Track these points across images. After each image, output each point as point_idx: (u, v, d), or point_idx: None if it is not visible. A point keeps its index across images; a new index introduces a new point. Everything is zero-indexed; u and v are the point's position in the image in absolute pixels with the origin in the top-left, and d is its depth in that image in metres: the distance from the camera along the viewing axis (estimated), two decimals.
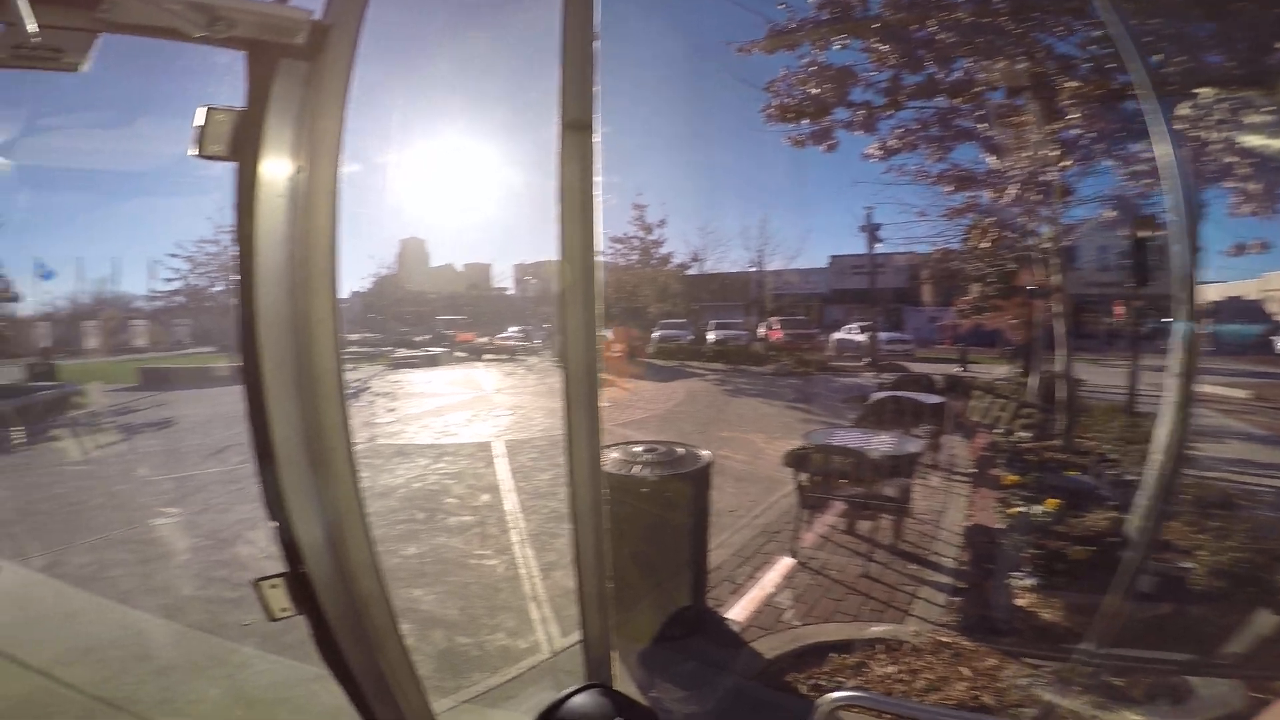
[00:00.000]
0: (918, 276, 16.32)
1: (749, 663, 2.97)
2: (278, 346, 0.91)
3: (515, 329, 22.04)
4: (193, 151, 0.85)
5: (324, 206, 0.91)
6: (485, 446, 7.45)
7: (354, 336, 20.16)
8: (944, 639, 3.01)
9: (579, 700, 1.09)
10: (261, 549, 4.22)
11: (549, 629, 3.26)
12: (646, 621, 3.07)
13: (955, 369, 11.93)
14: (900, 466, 4.16)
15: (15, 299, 14.71)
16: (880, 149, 7.27)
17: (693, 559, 3.24)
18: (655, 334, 19.21)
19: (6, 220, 13.31)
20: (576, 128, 1.16)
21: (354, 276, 25.96)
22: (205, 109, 0.85)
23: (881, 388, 8.08)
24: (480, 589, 3.75)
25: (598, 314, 1.22)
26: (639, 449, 3.28)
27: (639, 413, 9.55)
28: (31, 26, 0.74)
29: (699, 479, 3.20)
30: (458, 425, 8.86)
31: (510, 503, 5.34)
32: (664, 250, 20.89)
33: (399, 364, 17.11)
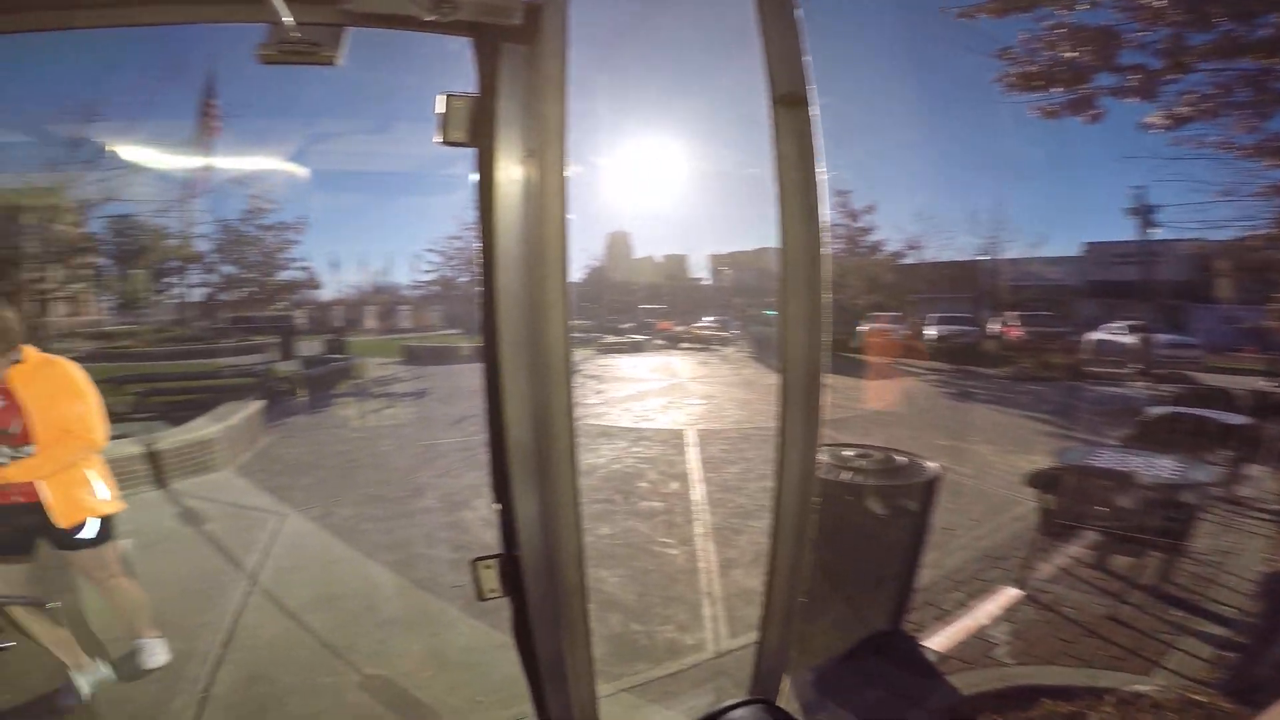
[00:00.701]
0: (1210, 267, 13.05)
1: (941, 697, 2.58)
2: (514, 328, 0.93)
3: (710, 318, 22.30)
4: (437, 139, 0.89)
5: (555, 191, 0.90)
6: (678, 434, 7.54)
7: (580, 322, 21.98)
8: (1197, 697, 2.31)
9: (741, 714, 1.02)
10: (481, 515, 4.70)
11: (718, 628, 3.16)
12: (828, 637, 2.80)
13: (1266, 382, 9.25)
14: (1183, 497, 3.32)
15: (317, 287, 18.54)
16: (1166, 118, 5.86)
17: (897, 577, 2.87)
18: (932, 329, 17.48)
19: (308, 220, 16.70)
20: (789, 103, 1.05)
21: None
22: (445, 96, 0.88)
23: (1161, 401, 6.56)
24: (659, 577, 3.76)
25: (824, 304, 1.09)
26: (850, 452, 2.98)
27: (841, 411, 8.95)
28: (288, 20, 0.79)
29: (922, 493, 2.81)
30: (655, 410, 9.13)
31: (697, 493, 5.31)
32: (873, 238, 19.38)
33: (607, 349, 18.25)
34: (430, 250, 24.24)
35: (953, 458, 6.14)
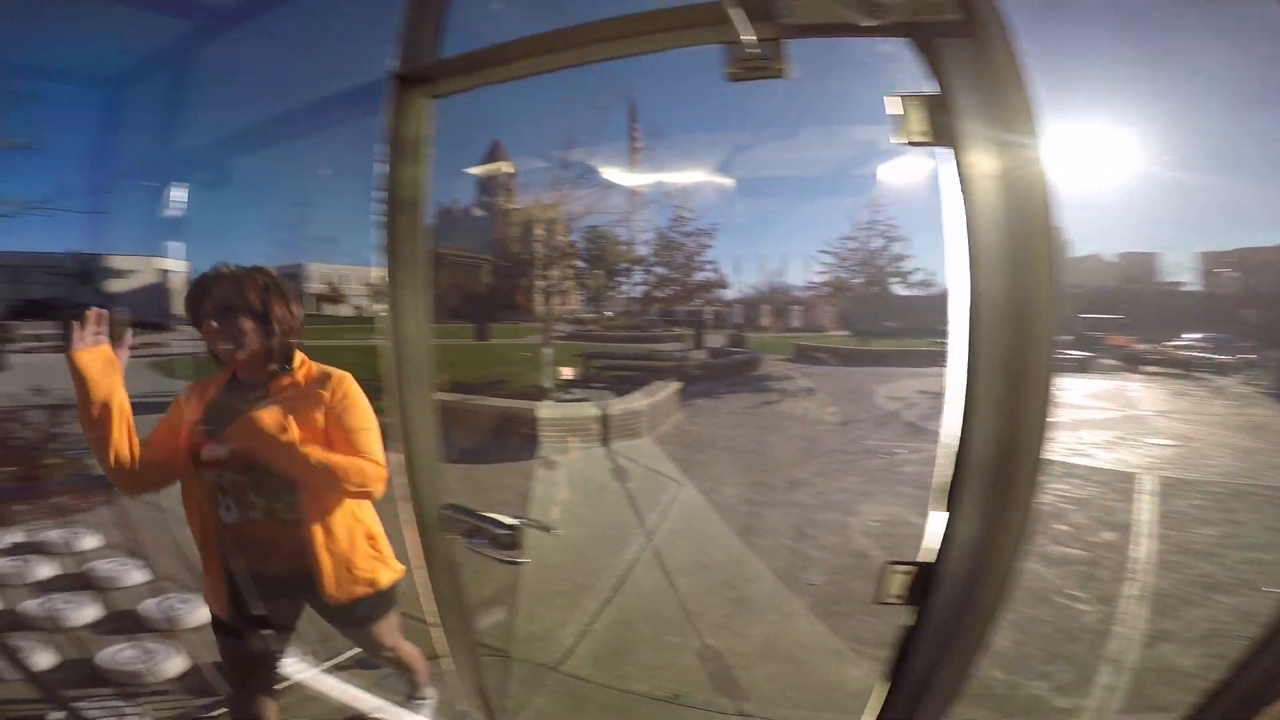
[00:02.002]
0: None
1: None
2: (993, 333, 0.88)
3: (1195, 335, 16.38)
4: (898, 139, 0.87)
5: (1036, 185, 0.83)
6: (1126, 477, 5.84)
7: None
8: None
9: None
10: (847, 520, 4.50)
11: (1111, 699, 2.47)
12: None
13: None
14: None
15: (725, 286, 20.61)
16: None
17: None
18: None
19: (718, 227, 18.54)
20: None
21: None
22: (899, 97, 0.86)
23: None
24: (1051, 630, 3.05)
25: None
26: None
27: None
28: (748, 38, 0.85)
29: None
30: (1093, 445, 7.25)
31: (1141, 550, 4.03)
32: None
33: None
34: (824, 252, 24.45)
35: None
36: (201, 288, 1.52)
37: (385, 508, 1.61)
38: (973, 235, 0.84)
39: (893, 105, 0.87)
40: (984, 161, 0.83)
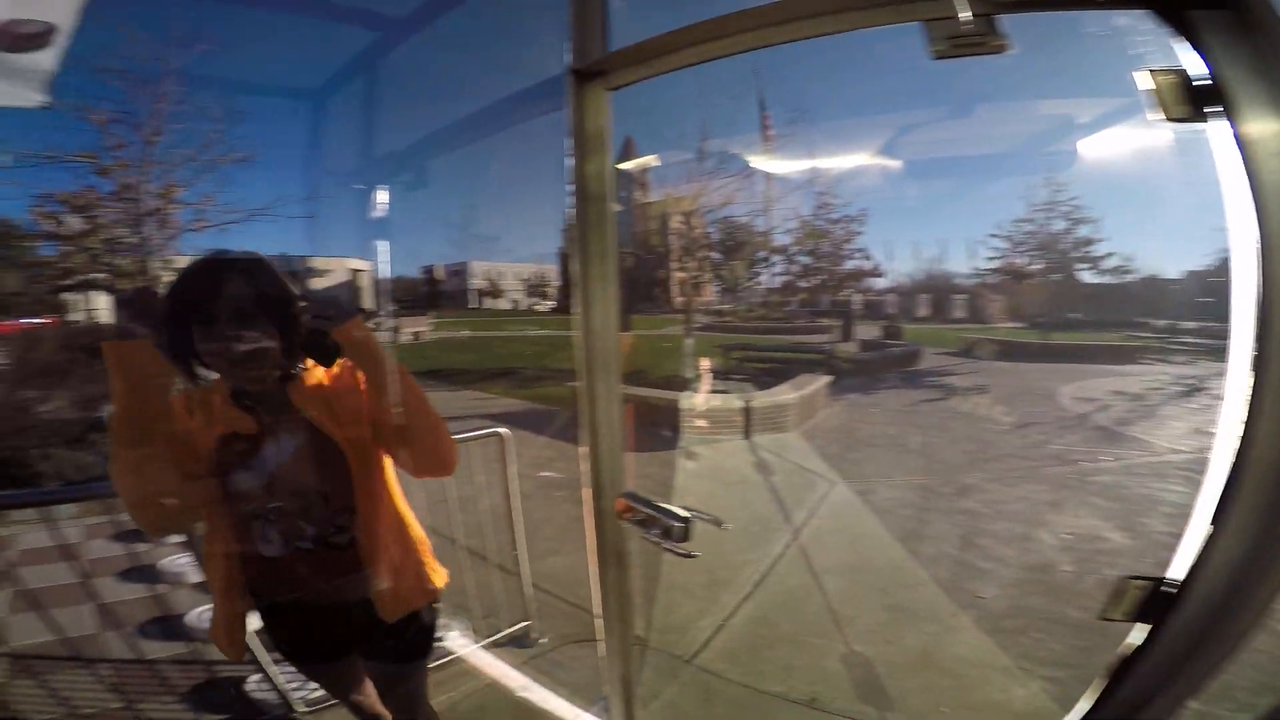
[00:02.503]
0: None
1: None
2: None
3: None
4: (1156, 116, 0.81)
5: None
6: None
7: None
8: None
9: None
10: (1034, 535, 4.06)
11: None
12: None
13: None
14: None
15: (879, 275, 19.30)
16: None
17: None
18: None
19: (868, 213, 17.33)
20: None
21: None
22: (1148, 72, 0.79)
23: None
24: (1266, 659, 2.48)
25: None
26: None
27: None
28: (965, 15, 0.78)
29: None
30: None
31: None
32: None
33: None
34: (994, 236, 22.00)
35: None
36: (215, 278, 1.18)
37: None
38: (1263, 217, 0.74)
39: (1146, 80, 0.79)
40: (1271, 137, 0.74)
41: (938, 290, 22.99)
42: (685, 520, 1.37)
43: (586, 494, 1.48)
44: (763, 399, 6.88)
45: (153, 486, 1.16)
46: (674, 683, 2.57)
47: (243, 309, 1.16)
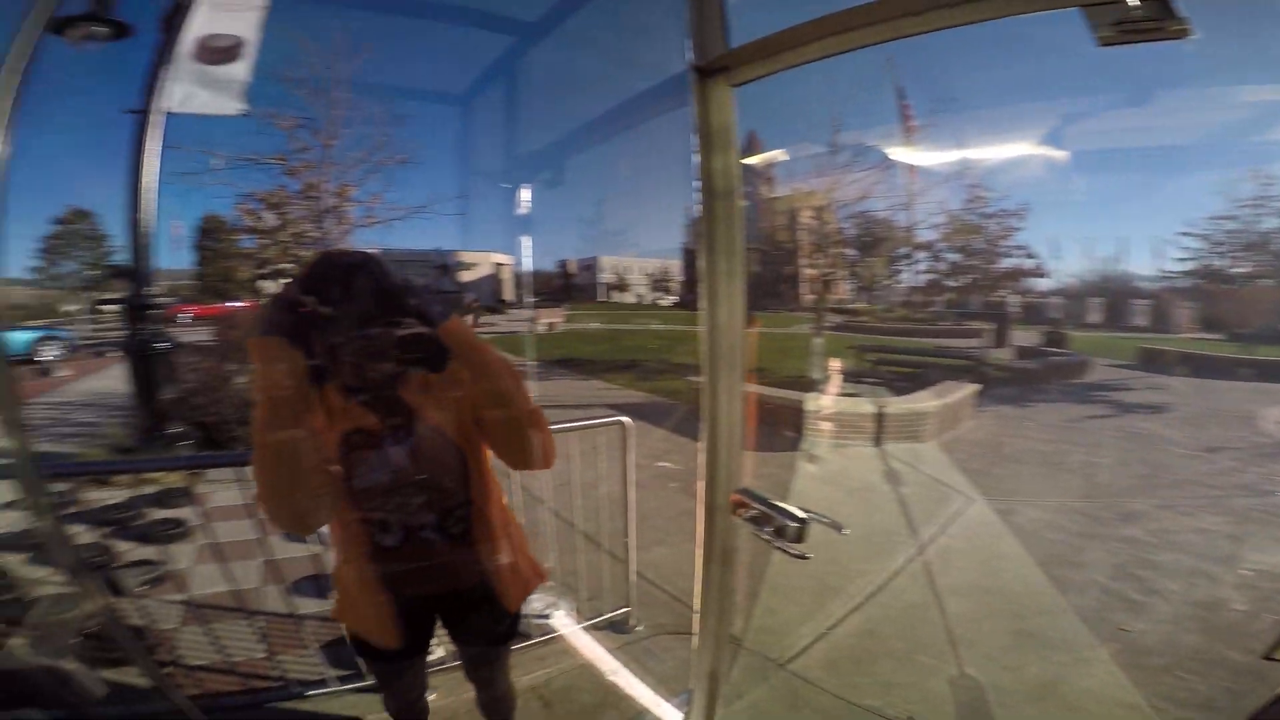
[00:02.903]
0: None
1: None
2: None
3: None
4: None
5: None
6: None
7: None
8: None
9: None
10: (1208, 570, 3.55)
11: None
12: None
13: None
14: None
15: (1042, 275, 17.27)
16: None
17: None
18: None
19: (1039, 205, 15.47)
20: None
21: None
22: None
23: None
24: None
25: None
26: None
27: None
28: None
29: None
30: None
31: None
32: None
33: None
34: (1185, 234, 18.81)
35: None
36: (339, 276, 1.19)
37: None
38: None
39: None
40: None
41: (1113, 294, 20.14)
42: (801, 521, 1.33)
43: (700, 487, 1.48)
44: (898, 405, 6.46)
45: (286, 482, 1.18)
46: (763, 685, 2.54)
47: (362, 306, 1.17)
